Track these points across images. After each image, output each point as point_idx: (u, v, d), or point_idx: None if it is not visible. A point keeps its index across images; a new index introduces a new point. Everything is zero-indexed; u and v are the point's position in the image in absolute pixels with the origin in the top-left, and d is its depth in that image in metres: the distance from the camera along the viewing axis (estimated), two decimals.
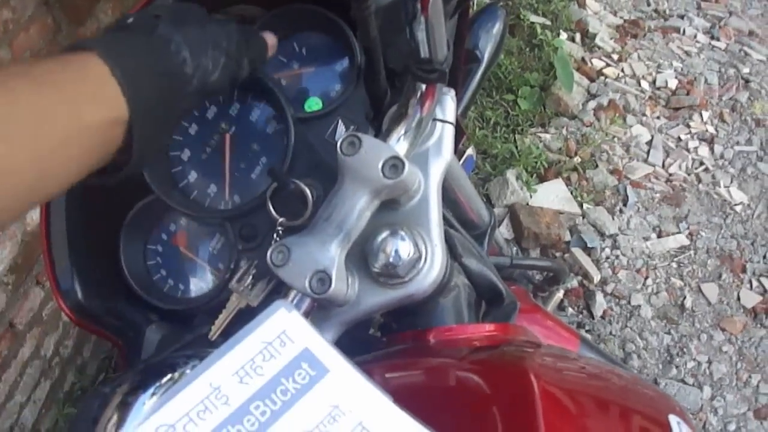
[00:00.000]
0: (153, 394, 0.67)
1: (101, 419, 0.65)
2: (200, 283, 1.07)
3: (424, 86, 0.90)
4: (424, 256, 0.87)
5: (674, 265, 3.33)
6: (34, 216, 2.47)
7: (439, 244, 0.88)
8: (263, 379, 0.68)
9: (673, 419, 0.81)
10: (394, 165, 0.82)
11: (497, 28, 1.40)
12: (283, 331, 0.69)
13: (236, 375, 0.67)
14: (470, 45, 1.36)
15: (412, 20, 0.80)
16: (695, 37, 4.85)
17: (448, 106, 0.97)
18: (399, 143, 0.89)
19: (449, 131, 0.96)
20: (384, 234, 0.86)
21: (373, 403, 0.70)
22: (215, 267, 1.07)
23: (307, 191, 0.95)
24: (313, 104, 1.07)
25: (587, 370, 0.96)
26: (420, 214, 0.90)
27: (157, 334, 1.03)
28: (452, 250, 0.99)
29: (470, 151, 2.01)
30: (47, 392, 2.76)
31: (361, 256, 0.88)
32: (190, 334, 0.98)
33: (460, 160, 1.72)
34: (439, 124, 0.95)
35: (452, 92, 0.98)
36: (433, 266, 0.87)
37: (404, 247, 0.85)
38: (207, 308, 1.01)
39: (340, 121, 1.05)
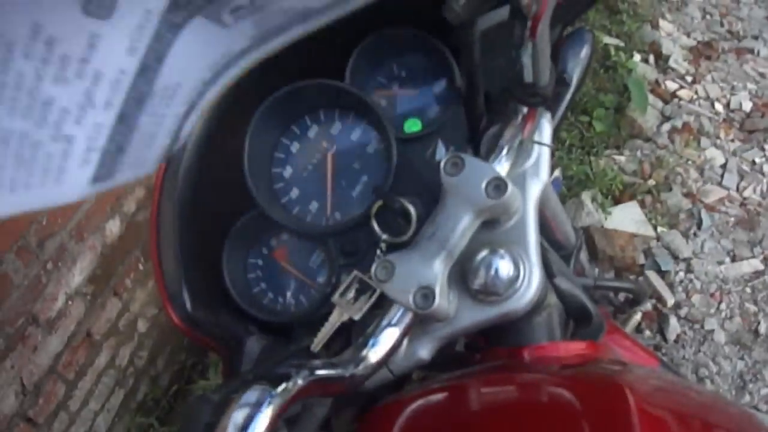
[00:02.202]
0: (269, 404, 0.68)
1: (218, 426, 0.66)
2: (299, 297, 1.09)
3: (525, 109, 0.91)
4: (522, 275, 0.88)
5: (748, 290, 3.29)
6: (114, 229, 2.53)
7: (537, 264, 0.89)
8: None
9: None
10: (497, 186, 0.84)
11: (585, 51, 1.40)
12: None
13: None
14: (559, 69, 1.37)
15: (519, 45, 0.81)
16: None
17: (545, 128, 0.98)
18: (500, 164, 0.90)
19: (546, 153, 0.97)
20: (484, 252, 0.87)
21: None
22: (314, 281, 1.09)
23: (411, 209, 0.97)
24: (413, 125, 1.09)
25: (675, 387, 0.97)
26: (518, 234, 0.90)
27: (256, 345, 1.05)
28: (547, 270, 1.00)
29: (557, 173, 2.02)
30: (121, 401, 2.82)
31: (460, 273, 0.89)
32: (292, 346, 1.00)
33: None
34: (536, 147, 0.96)
35: (549, 115, 1.00)
36: (531, 285, 0.88)
37: (504, 266, 0.86)
38: (305, 321, 1.04)
39: (440, 142, 1.06)
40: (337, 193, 1.08)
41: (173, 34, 0.66)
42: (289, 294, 1.10)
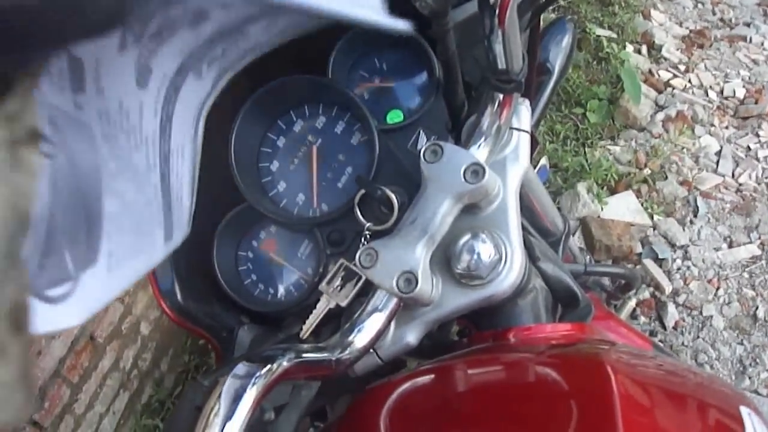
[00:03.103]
0: (253, 384, 0.70)
1: (204, 408, 0.69)
2: (289, 287, 1.12)
3: (501, 96, 0.93)
4: (504, 258, 0.90)
5: (746, 275, 3.31)
6: None
7: (518, 247, 0.92)
8: None
9: (744, 410, 0.83)
10: (475, 171, 0.86)
11: (566, 40, 1.43)
12: None
13: None
14: (541, 58, 1.39)
15: (489, 33, 0.83)
16: (762, 44, 4.81)
17: (523, 115, 1.00)
18: (479, 150, 0.93)
19: (525, 139, 0.99)
20: (466, 237, 0.90)
21: None
22: (303, 271, 1.11)
23: (393, 197, 0.99)
24: (395, 116, 1.11)
25: (661, 365, 0.99)
26: (499, 218, 0.93)
27: (248, 334, 1.08)
28: (530, 254, 1.02)
29: (544, 161, 2.04)
30: (126, 403, 2.83)
31: (444, 258, 0.91)
32: (282, 334, 1.02)
33: (534, 170, 1.75)
34: (515, 133, 0.99)
35: (527, 102, 1.02)
36: (513, 267, 0.90)
37: (485, 249, 0.89)
38: (296, 310, 1.06)
39: (421, 132, 1.08)
40: (322, 185, 1.11)
41: (176, 94, 0.74)
42: (279, 284, 1.12)
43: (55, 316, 0.56)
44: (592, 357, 0.86)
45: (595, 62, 4.23)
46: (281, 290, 1.12)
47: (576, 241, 3.36)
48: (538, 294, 1.02)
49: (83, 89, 0.58)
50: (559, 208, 3.39)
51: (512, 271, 0.91)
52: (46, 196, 0.54)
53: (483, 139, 0.93)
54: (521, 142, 0.99)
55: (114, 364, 2.70)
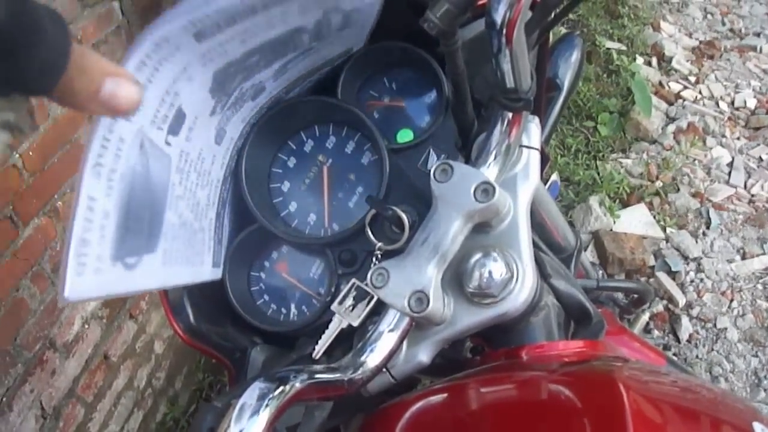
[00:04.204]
0: (267, 405, 0.71)
1: (218, 430, 0.69)
2: (301, 307, 1.12)
3: (510, 115, 0.93)
4: (515, 276, 0.90)
5: (760, 286, 3.29)
6: None
7: (529, 264, 0.91)
8: None
9: (758, 426, 0.82)
10: (485, 189, 0.86)
11: (575, 56, 1.43)
12: None
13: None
14: (550, 74, 1.39)
15: (497, 52, 0.83)
16: None
17: (533, 132, 1.00)
18: (489, 169, 0.93)
19: (535, 156, 0.99)
20: (477, 256, 0.90)
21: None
22: (316, 291, 1.11)
23: (404, 216, 0.99)
24: (405, 135, 1.12)
25: (673, 381, 0.98)
26: (510, 236, 0.93)
27: (261, 355, 1.08)
28: (542, 271, 1.02)
29: (555, 177, 2.04)
30: (140, 422, 2.84)
31: (455, 277, 0.91)
32: (295, 354, 1.03)
33: (545, 185, 1.75)
34: (525, 150, 0.99)
35: (536, 120, 1.02)
36: (525, 285, 0.90)
37: (497, 268, 0.89)
38: (308, 330, 1.06)
39: (431, 150, 1.09)
40: (334, 205, 1.11)
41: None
42: (291, 304, 1.12)
43: (127, 280, 0.77)
44: (604, 374, 0.86)
45: (605, 75, 4.23)
46: (294, 310, 1.12)
47: (589, 255, 3.36)
48: (551, 311, 1.02)
49: (177, 133, 0.81)
50: (571, 223, 3.41)
51: (524, 289, 0.90)
52: (128, 192, 0.74)
53: (493, 157, 0.93)
54: (531, 160, 0.99)
55: (128, 382, 2.71)
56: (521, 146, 0.99)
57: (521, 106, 0.91)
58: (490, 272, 0.88)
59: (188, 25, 0.70)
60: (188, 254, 0.92)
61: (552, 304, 1.03)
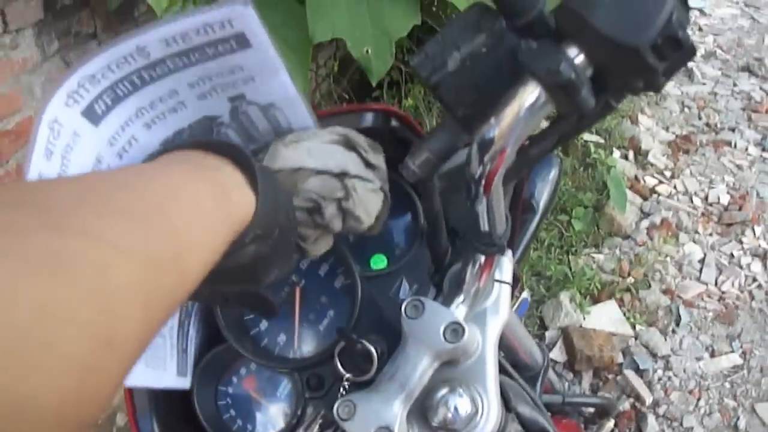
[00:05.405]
0: None
1: None
2: (268, 425, 1.12)
3: (482, 257, 0.96)
4: (480, 412, 0.91)
5: (727, 385, 3.30)
6: None
7: (495, 400, 0.92)
8: (189, 44, 0.75)
9: None
10: (455, 330, 0.88)
11: (552, 175, 1.43)
12: (229, 20, 0.75)
13: (164, 40, 0.74)
14: (526, 194, 1.40)
15: (474, 198, 0.84)
16: (746, 150, 4.92)
17: (505, 267, 1.01)
18: (458, 308, 0.94)
19: (506, 291, 1.00)
20: (443, 391, 0.90)
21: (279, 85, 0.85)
22: (282, 411, 1.12)
23: (373, 351, 1.00)
24: (378, 262, 1.14)
25: None
26: (477, 372, 0.93)
27: None
28: (506, 400, 1.03)
29: (525, 294, 2.05)
30: None
31: (420, 409, 0.92)
32: None
33: (514, 305, 1.76)
34: (497, 285, 1.00)
35: (509, 253, 1.03)
36: (489, 420, 0.90)
37: (462, 404, 0.89)
38: None
39: (403, 280, 1.11)
40: (304, 327, 1.12)
41: None
42: (257, 422, 1.13)
43: None
44: None
45: (581, 168, 4.28)
46: (259, 428, 1.13)
47: (558, 351, 3.37)
48: None
49: None
50: (541, 320, 3.42)
51: (488, 424, 0.90)
52: None
53: (462, 298, 0.95)
54: (502, 294, 0.99)
55: None
56: (494, 280, 1.00)
57: (494, 251, 0.93)
58: (455, 408, 0.89)
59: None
60: (147, 356, 0.92)
61: (516, 431, 1.04)
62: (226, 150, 0.72)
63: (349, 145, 0.92)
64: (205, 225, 0.60)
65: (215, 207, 0.63)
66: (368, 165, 0.94)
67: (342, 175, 0.89)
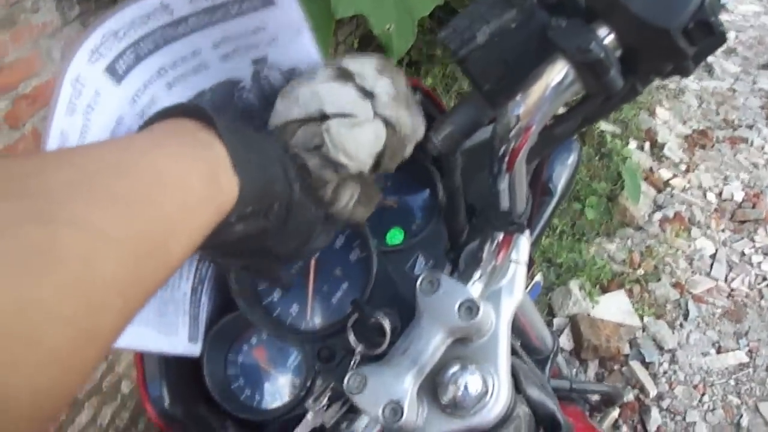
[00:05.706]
0: None
1: None
2: (276, 396, 1.12)
3: (501, 235, 0.95)
4: (491, 391, 0.90)
5: (732, 382, 3.30)
6: None
7: (505, 380, 0.91)
8: (213, 1, 0.75)
9: None
10: (470, 307, 0.87)
11: (572, 159, 1.42)
12: None
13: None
14: (545, 177, 1.39)
15: (496, 175, 0.83)
16: (763, 148, 4.89)
17: (522, 247, 1.00)
18: (474, 285, 0.94)
19: (522, 271, 0.99)
20: (454, 368, 0.90)
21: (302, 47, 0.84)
22: (291, 383, 1.12)
23: (387, 325, 0.99)
24: (395, 236, 1.13)
25: None
26: (489, 350, 0.93)
27: None
28: (516, 381, 1.02)
29: (538, 278, 2.04)
30: None
31: (431, 385, 0.91)
32: None
33: (527, 288, 1.75)
34: (512, 265, 0.99)
35: (527, 233, 1.02)
36: (499, 400, 0.90)
37: (473, 382, 0.88)
38: (280, 421, 1.07)
39: (419, 255, 1.10)
40: (317, 298, 1.11)
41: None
42: (266, 392, 1.13)
43: None
44: None
45: (597, 157, 4.26)
46: (267, 398, 1.12)
47: (565, 338, 3.37)
48: (522, 421, 1.02)
49: None
50: (550, 307, 3.41)
51: (498, 404, 0.90)
52: None
53: (479, 275, 0.94)
54: (518, 274, 0.99)
55: (91, 420, 2.68)
56: (509, 261, 0.99)
57: (514, 230, 0.92)
58: (465, 386, 0.88)
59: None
60: (160, 322, 0.91)
61: (524, 413, 1.03)
62: (216, 123, 0.68)
63: (345, 77, 0.83)
64: (193, 210, 0.59)
65: (204, 191, 0.61)
66: (366, 94, 0.82)
67: (323, 119, 0.80)
